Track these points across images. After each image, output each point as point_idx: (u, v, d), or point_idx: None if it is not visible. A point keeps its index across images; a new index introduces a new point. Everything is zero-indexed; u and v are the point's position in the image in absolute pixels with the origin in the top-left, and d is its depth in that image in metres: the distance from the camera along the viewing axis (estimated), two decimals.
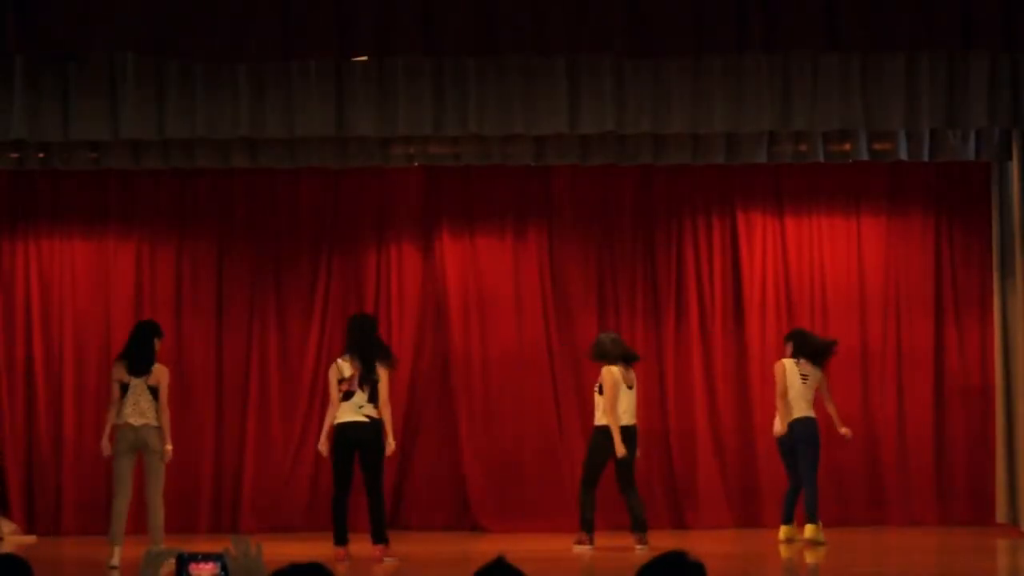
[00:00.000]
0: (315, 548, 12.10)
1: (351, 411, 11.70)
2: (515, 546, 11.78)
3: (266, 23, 11.02)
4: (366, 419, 11.66)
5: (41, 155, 12.51)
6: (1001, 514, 13.24)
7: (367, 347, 11.80)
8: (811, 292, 14.04)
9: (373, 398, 11.68)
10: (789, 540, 12.53)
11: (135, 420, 11.56)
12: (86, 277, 13.89)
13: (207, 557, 4.27)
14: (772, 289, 14.07)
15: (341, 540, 11.65)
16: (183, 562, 4.27)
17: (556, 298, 14.06)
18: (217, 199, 14.10)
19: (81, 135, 11.70)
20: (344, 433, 11.66)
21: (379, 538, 11.65)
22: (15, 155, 12.50)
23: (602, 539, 12.84)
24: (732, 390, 13.97)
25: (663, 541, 12.25)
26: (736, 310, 14.08)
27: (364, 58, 11.48)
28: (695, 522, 13.73)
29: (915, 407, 13.93)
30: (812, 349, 12.69)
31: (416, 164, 13.18)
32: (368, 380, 11.70)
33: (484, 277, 14.00)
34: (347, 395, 11.74)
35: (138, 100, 11.46)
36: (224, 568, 4.24)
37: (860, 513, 13.72)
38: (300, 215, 14.13)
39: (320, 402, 13.99)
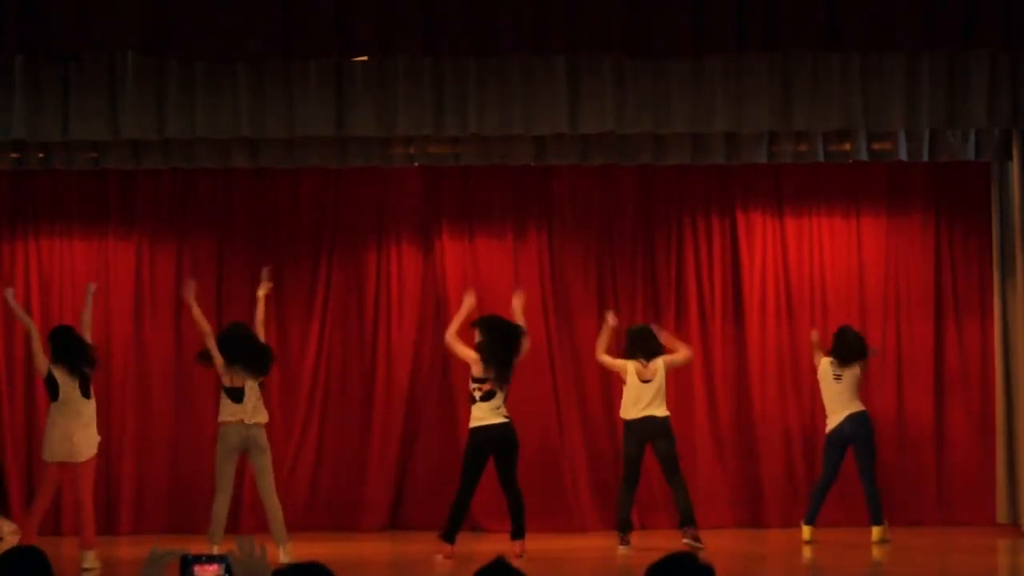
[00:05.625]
0: (315, 548, 12.11)
1: (490, 412, 11.93)
2: (515, 546, 11.80)
3: (266, 23, 11.01)
4: (506, 419, 11.91)
5: (41, 155, 12.50)
6: (1001, 514, 13.24)
7: (503, 348, 11.97)
8: (811, 292, 14.04)
9: (506, 398, 11.97)
10: (813, 541, 12.55)
11: (252, 419, 11.82)
12: (86, 277, 13.86)
13: (211, 558, 4.28)
14: (772, 289, 14.07)
15: (452, 538, 11.89)
16: (187, 563, 4.27)
17: (556, 298, 14.06)
18: (217, 199, 14.09)
19: (81, 135, 11.71)
20: (489, 435, 11.89)
21: (521, 533, 11.93)
22: (15, 155, 12.50)
23: (600, 539, 12.89)
24: (732, 390, 13.97)
25: (663, 541, 12.26)
26: (736, 310, 14.07)
27: (364, 58, 11.47)
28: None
29: (915, 407, 13.93)
30: (841, 347, 12.76)
31: (416, 164, 13.17)
32: (506, 381, 11.96)
33: (484, 277, 13.99)
34: (487, 395, 11.96)
35: (138, 100, 11.46)
36: (228, 569, 4.24)
37: (860, 513, 13.69)
38: (300, 215, 14.13)
39: (321, 402, 14.00)
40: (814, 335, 13.18)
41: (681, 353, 12.82)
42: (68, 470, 11.59)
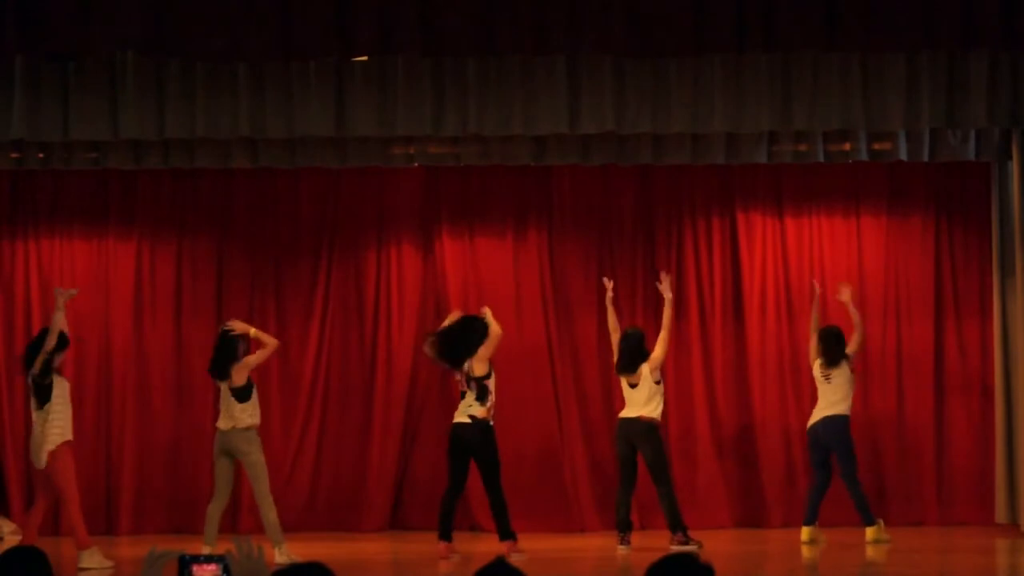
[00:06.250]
0: (315, 548, 12.12)
1: (459, 412, 12.00)
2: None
3: (266, 23, 11.01)
4: (468, 420, 11.90)
5: (41, 155, 12.51)
6: (1001, 514, 13.23)
7: (452, 348, 12.02)
8: (811, 292, 14.03)
9: (481, 397, 11.91)
10: (812, 541, 12.52)
11: (222, 424, 11.82)
12: (86, 277, 13.88)
13: (209, 558, 4.28)
14: (772, 289, 14.06)
15: (446, 536, 11.89)
16: (185, 563, 4.28)
17: (556, 298, 14.05)
18: (217, 199, 14.09)
19: (81, 135, 11.71)
20: (455, 433, 11.96)
21: (505, 535, 11.88)
22: (15, 155, 12.50)
23: (600, 539, 12.88)
24: (732, 390, 13.97)
25: (663, 541, 12.27)
26: (736, 310, 14.07)
27: (364, 58, 11.48)
28: (695, 522, 13.68)
29: (915, 407, 13.92)
30: (824, 349, 12.74)
31: (416, 164, 13.16)
32: (471, 380, 11.94)
33: (484, 277, 14.00)
34: (462, 395, 12.06)
35: (138, 100, 11.48)
36: (226, 569, 4.25)
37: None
38: (300, 215, 14.13)
39: (321, 402, 13.99)
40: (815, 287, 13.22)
41: (659, 349, 12.71)
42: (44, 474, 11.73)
